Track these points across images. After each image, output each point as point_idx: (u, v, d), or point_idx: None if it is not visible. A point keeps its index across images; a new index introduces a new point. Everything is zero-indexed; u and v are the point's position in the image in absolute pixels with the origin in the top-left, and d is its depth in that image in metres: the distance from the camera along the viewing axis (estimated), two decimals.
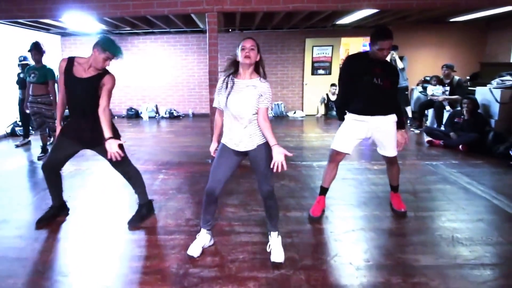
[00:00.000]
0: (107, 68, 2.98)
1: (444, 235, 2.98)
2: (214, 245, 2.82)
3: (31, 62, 5.64)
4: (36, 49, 5.18)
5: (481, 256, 2.64)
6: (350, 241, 2.94)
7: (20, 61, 6.39)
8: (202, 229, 2.75)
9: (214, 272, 2.45)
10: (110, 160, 2.92)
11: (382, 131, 3.18)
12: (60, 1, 4.93)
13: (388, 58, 7.66)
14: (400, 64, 7.71)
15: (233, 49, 8.02)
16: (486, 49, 9.75)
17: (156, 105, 10.37)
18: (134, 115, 10.20)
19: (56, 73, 5.32)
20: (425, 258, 2.62)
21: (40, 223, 3.19)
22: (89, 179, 4.40)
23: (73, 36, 9.58)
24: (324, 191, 3.49)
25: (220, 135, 2.68)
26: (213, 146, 2.76)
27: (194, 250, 2.65)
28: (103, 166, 4.81)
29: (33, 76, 5.26)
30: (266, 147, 2.49)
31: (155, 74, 10.16)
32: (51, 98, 5.38)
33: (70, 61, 2.93)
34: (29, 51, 5.25)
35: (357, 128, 3.21)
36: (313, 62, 10.11)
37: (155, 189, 4.06)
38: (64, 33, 9.27)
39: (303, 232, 3.08)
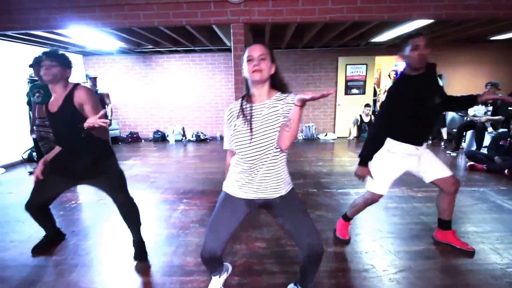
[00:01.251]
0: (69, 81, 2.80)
1: None
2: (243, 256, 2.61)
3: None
4: (38, 65, 4.73)
5: None
6: (410, 280, 2.61)
7: (30, 77, 6.02)
8: (212, 276, 2.43)
9: None
10: (110, 191, 2.86)
11: (426, 154, 2.96)
12: (56, 11, 4.71)
13: None
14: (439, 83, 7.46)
15: None
16: None
17: (183, 128, 10.34)
18: (160, 138, 10.22)
19: None
20: None
21: (36, 251, 3.19)
22: (100, 211, 4.19)
23: (95, 56, 9.78)
24: (349, 219, 3.35)
25: None
26: None
27: None
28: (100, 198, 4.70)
29: (38, 95, 4.88)
30: (295, 193, 2.13)
31: (181, 95, 10.19)
32: None
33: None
34: (30, 66, 4.87)
35: (407, 163, 2.93)
36: (346, 81, 10.00)
37: (173, 222, 3.80)
38: (85, 52, 9.45)
39: (350, 271, 2.76)
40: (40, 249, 3.21)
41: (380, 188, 2.97)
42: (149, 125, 10.44)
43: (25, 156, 7.36)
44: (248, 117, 1.96)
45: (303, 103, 1.77)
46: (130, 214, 2.96)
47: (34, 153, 7.11)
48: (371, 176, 2.95)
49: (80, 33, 5.77)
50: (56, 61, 2.65)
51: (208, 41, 7.90)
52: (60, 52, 2.74)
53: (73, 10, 4.69)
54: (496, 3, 4.56)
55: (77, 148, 2.77)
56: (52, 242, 3.34)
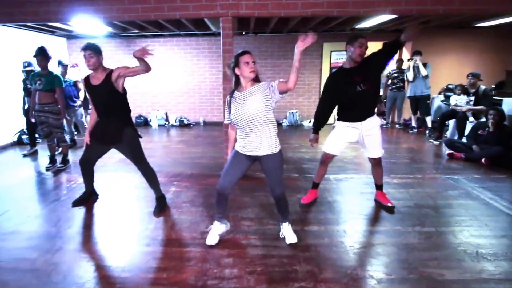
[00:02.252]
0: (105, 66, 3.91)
1: (468, 250, 3.21)
2: (231, 232, 3.53)
3: (36, 67, 5.93)
4: (42, 54, 5.38)
5: (507, 271, 2.87)
6: (371, 255, 3.20)
7: (24, 67, 6.65)
8: (215, 221, 3.39)
9: (233, 284, 2.72)
10: (133, 158, 4.06)
11: (371, 134, 3.90)
12: (65, 4, 5.21)
13: (411, 65, 8.29)
14: (423, 71, 8.09)
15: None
16: None
17: (166, 113, 10.81)
18: (143, 123, 10.65)
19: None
20: (449, 272, 2.86)
21: (75, 204, 4.29)
22: (100, 191, 4.71)
23: (79, 39, 10.06)
24: (316, 185, 4.46)
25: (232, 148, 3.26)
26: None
27: (212, 239, 3.33)
28: (113, 178, 5.29)
29: (39, 83, 5.47)
30: (280, 155, 3.12)
31: (165, 80, 10.57)
32: (59, 106, 5.69)
33: (86, 76, 3.95)
34: (34, 56, 5.44)
35: (348, 134, 4.00)
36: (331, 68, 10.33)
37: (168, 202, 4.37)
38: (70, 36, 9.76)
39: (322, 246, 3.33)
40: (79, 203, 4.32)
41: (330, 148, 4.14)
42: (132, 110, 10.66)
43: (15, 138, 7.79)
44: (237, 101, 2.98)
45: (303, 47, 2.67)
46: (150, 177, 4.15)
47: (24, 136, 7.58)
48: (316, 143, 4.16)
49: (83, 23, 6.26)
50: (93, 52, 3.82)
51: (194, 26, 8.27)
52: (93, 43, 3.88)
53: (79, 3, 5.19)
54: None
55: (109, 114, 3.91)
56: (88, 198, 4.41)
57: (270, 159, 3.06)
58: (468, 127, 7.18)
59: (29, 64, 6.62)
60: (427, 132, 8.58)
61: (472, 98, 7.38)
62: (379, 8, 5.17)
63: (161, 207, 4.15)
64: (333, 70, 4.18)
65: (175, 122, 10.64)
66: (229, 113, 3.05)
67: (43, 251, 3.26)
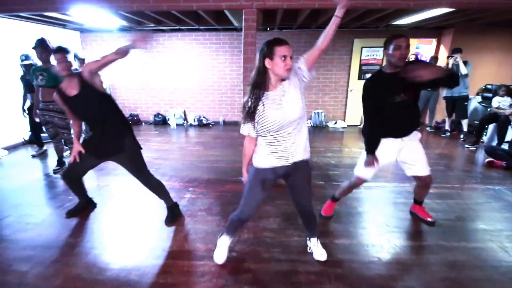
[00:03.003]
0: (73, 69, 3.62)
1: None
2: (251, 244, 3.37)
3: (38, 61, 5.67)
4: (42, 46, 5.10)
5: None
6: (413, 274, 2.98)
7: (22, 60, 6.34)
8: (224, 235, 3.12)
9: None
10: (134, 169, 3.67)
11: (412, 147, 3.48)
12: None
13: (450, 62, 7.89)
14: (463, 70, 7.71)
15: None
16: None
17: (184, 111, 10.69)
18: (161, 122, 10.59)
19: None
20: None
21: (70, 215, 4.06)
22: (109, 197, 4.63)
23: (93, 33, 10.06)
24: (336, 200, 4.03)
25: (250, 164, 2.81)
26: (246, 176, 2.85)
27: (221, 256, 3.09)
28: (123, 182, 5.14)
29: (42, 78, 5.24)
30: (308, 163, 2.76)
31: (183, 76, 10.47)
32: None
33: (58, 89, 3.52)
34: (33, 48, 5.16)
35: (385, 153, 3.53)
36: (361, 65, 10.13)
37: (182, 210, 4.19)
38: (83, 29, 9.75)
39: (355, 262, 3.13)
40: (73, 213, 4.09)
41: (365, 173, 3.61)
42: (149, 108, 10.79)
43: (26, 137, 7.74)
44: (278, 101, 2.45)
45: (342, 14, 2.58)
46: (156, 189, 3.84)
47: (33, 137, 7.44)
48: (377, 163, 3.50)
49: (85, 13, 6.00)
50: (65, 54, 3.60)
51: (214, 21, 8.10)
52: (62, 45, 3.57)
53: None
54: None
55: (103, 124, 3.50)
56: (84, 209, 4.20)
57: (305, 166, 2.71)
58: (510, 132, 6.93)
59: (27, 57, 6.33)
60: (461, 136, 8.27)
61: None
62: (434, 0, 4.75)
63: (173, 216, 3.93)
64: (370, 75, 3.58)
65: (194, 121, 10.54)
66: (253, 121, 2.52)
67: (36, 262, 3.12)
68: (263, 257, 3.18)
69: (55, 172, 5.73)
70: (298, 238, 3.51)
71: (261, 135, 2.56)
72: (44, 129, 5.77)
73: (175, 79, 10.49)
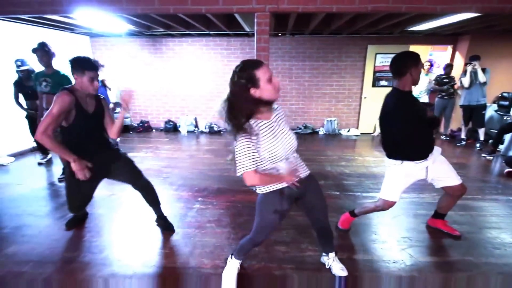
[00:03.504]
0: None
1: None
2: (262, 260, 3.14)
3: (39, 66, 5.27)
4: (42, 50, 4.87)
5: None
6: None
7: (18, 67, 6.05)
8: (234, 258, 2.91)
9: None
10: (134, 174, 3.61)
11: (437, 160, 3.32)
12: None
13: (468, 70, 7.72)
14: (482, 78, 7.55)
15: (282, 56, 7.81)
16: None
17: (196, 118, 10.54)
18: (172, 129, 10.47)
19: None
20: None
21: (68, 227, 3.89)
22: (113, 206, 4.47)
23: (102, 37, 9.99)
24: (355, 215, 3.79)
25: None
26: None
27: (229, 278, 2.84)
28: (125, 190, 4.89)
29: (45, 84, 4.97)
30: (313, 176, 2.66)
31: (193, 82, 10.33)
32: None
33: (73, 93, 3.16)
34: (33, 51, 4.92)
35: (416, 175, 3.33)
36: (375, 72, 9.96)
37: (189, 221, 4.03)
38: (92, 34, 9.67)
39: (376, 281, 2.93)
40: (73, 225, 3.94)
41: (392, 196, 3.35)
42: (160, 114, 10.66)
43: (35, 144, 7.48)
44: (275, 129, 2.32)
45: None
46: (151, 195, 3.72)
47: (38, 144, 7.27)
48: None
49: (88, 16, 5.82)
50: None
51: (225, 26, 7.94)
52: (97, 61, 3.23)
53: None
54: None
55: (101, 143, 3.46)
56: (80, 220, 4.04)
57: (311, 180, 2.60)
58: None
59: (22, 63, 6.04)
60: (477, 145, 8.06)
61: None
62: (463, 5, 4.46)
63: (168, 227, 3.85)
64: (392, 93, 3.39)
65: (205, 128, 10.40)
66: (253, 156, 2.24)
67: (27, 279, 2.92)
68: (275, 274, 2.97)
69: (60, 180, 5.56)
70: (312, 253, 3.30)
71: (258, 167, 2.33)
72: None
73: (186, 86, 10.36)
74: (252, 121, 2.25)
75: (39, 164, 6.61)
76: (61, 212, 4.34)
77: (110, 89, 7.28)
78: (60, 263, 3.18)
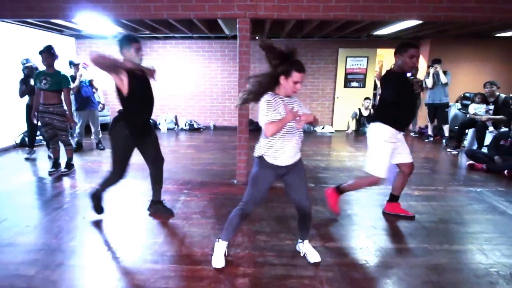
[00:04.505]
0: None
1: (501, 271, 2.99)
2: (245, 248, 3.26)
3: (41, 65, 5.52)
4: (48, 52, 5.13)
5: None
6: (399, 276, 2.93)
7: (23, 64, 6.31)
8: (221, 240, 3.04)
9: None
10: (159, 149, 3.94)
11: (400, 139, 3.78)
12: (73, 0, 4.91)
13: (431, 72, 8.15)
14: (443, 79, 7.96)
15: (259, 58, 7.97)
16: None
17: (176, 116, 10.54)
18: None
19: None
20: None
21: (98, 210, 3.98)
22: (104, 198, 4.43)
23: (88, 39, 9.90)
24: (341, 193, 4.12)
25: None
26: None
27: (219, 260, 2.98)
28: (119, 185, 4.96)
29: (45, 82, 5.18)
30: (301, 161, 2.92)
31: (175, 82, 10.34)
32: (65, 108, 5.41)
33: (130, 69, 3.40)
34: (40, 53, 5.17)
35: (393, 147, 3.70)
36: (346, 74, 10.23)
37: (177, 213, 4.10)
38: (78, 36, 9.57)
39: (346, 266, 3.06)
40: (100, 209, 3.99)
41: (382, 172, 3.69)
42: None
43: (18, 140, 7.51)
44: (291, 104, 2.68)
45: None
46: (160, 175, 4.01)
47: (27, 138, 7.19)
48: None
49: (89, 20, 5.92)
50: None
51: (207, 29, 8.06)
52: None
53: (88, 0, 4.88)
54: (493, 6, 4.79)
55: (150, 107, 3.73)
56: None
57: (301, 165, 2.90)
58: (488, 136, 7.05)
59: (27, 60, 6.32)
60: (443, 141, 8.44)
61: (492, 107, 7.29)
62: (405, 13, 4.87)
63: (167, 210, 4.08)
64: (386, 74, 3.93)
65: (185, 126, 10.41)
66: (273, 111, 2.58)
67: (42, 266, 2.96)
68: (258, 261, 3.09)
69: (50, 174, 5.52)
70: (290, 242, 3.42)
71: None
72: (42, 131, 5.63)
73: (168, 85, 10.35)
74: (271, 93, 2.66)
75: (26, 159, 6.53)
76: (57, 203, 4.41)
77: (97, 89, 7.23)
78: (68, 251, 3.24)
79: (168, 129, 10.29)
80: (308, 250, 3.11)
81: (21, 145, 7.49)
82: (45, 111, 5.33)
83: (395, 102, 3.55)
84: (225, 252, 3.05)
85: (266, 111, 2.57)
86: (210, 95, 10.49)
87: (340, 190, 4.07)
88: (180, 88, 10.41)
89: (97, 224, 3.84)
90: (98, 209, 3.94)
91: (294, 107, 2.65)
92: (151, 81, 3.63)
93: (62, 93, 5.36)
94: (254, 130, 10.01)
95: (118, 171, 3.66)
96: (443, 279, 2.88)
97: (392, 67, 3.83)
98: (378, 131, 3.73)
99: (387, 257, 3.23)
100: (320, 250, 3.20)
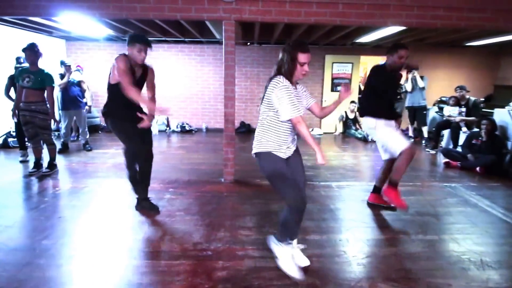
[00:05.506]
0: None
1: (472, 258, 3.04)
2: (226, 243, 3.20)
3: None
4: (31, 49, 4.91)
5: None
6: (375, 265, 2.92)
7: (20, 63, 6.07)
8: (284, 245, 2.77)
9: None
10: (150, 139, 3.96)
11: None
12: None
13: (409, 77, 8.35)
14: (420, 83, 8.28)
15: (251, 63, 7.99)
16: (499, 73, 10.73)
17: (167, 118, 10.34)
18: None
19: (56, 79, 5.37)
20: (456, 282, 2.67)
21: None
22: (86, 198, 4.35)
23: (79, 41, 9.71)
24: (396, 184, 3.86)
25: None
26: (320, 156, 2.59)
27: (293, 269, 2.67)
28: (104, 184, 4.90)
29: (28, 80, 4.95)
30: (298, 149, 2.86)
31: (167, 85, 10.18)
32: (47, 106, 5.16)
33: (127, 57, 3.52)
34: (23, 50, 4.97)
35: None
36: (332, 79, 10.39)
37: (161, 211, 3.95)
38: (69, 37, 9.38)
39: (324, 256, 3.02)
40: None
41: (403, 142, 3.71)
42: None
43: (0, 141, 7.14)
44: (298, 94, 2.68)
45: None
46: (148, 170, 3.94)
47: (10, 139, 6.99)
48: None
49: (74, 20, 5.78)
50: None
51: (198, 33, 8.02)
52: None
53: None
54: (459, 14, 5.00)
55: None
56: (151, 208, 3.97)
57: (298, 153, 2.86)
58: (462, 136, 7.27)
59: (24, 60, 5.97)
60: (423, 141, 8.64)
61: (464, 109, 7.63)
62: (380, 19, 5.04)
63: (154, 207, 3.97)
64: (377, 66, 4.00)
65: (176, 128, 10.24)
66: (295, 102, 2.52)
67: (8, 265, 2.77)
68: (237, 254, 3.00)
69: (30, 174, 5.26)
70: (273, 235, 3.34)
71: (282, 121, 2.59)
72: (24, 129, 5.30)
73: (160, 88, 10.05)
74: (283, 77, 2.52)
75: (21, 162, 6.11)
76: (35, 203, 4.25)
77: (85, 90, 7.14)
78: (39, 250, 3.04)
79: (159, 131, 10.08)
80: (298, 253, 2.84)
81: (3, 146, 7.06)
82: (27, 109, 5.07)
83: (380, 92, 3.78)
84: (205, 247, 2.94)
85: (288, 98, 2.47)
86: (202, 97, 10.39)
87: (393, 183, 3.88)
88: (172, 91, 10.25)
89: (76, 223, 3.66)
90: (139, 192, 4.01)
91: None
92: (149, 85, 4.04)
93: (46, 91, 5.15)
94: (246, 132, 10.04)
95: (132, 145, 3.75)
96: (417, 266, 2.89)
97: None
98: (374, 122, 3.85)
99: (364, 248, 3.22)
100: (300, 242, 3.07)
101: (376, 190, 4.21)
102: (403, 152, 3.66)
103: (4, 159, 6.48)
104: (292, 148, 2.75)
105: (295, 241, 2.83)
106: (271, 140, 2.62)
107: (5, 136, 7.14)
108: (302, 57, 2.45)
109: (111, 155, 6.75)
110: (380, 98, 3.81)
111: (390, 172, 3.94)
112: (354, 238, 3.38)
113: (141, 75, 3.75)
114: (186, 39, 9.13)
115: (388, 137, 3.80)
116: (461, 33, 7.43)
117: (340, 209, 4.19)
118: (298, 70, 2.50)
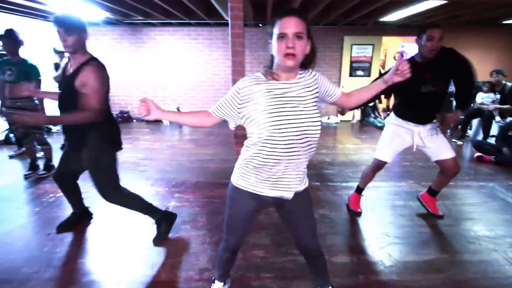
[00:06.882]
0: (90, 54, 2.79)
1: None
2: (239, 270, 2.63)
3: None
4: (9, 37, 4.28)
5: None
6: None
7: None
8: (217, 281, 2.27)
9: None
10: (88, 169, 2.88)
11: (432, 134, 3.31)
12: None
13: None
14: None
15: (263, 46, 7.28)
16: None
17: (178, 108, 9.84)
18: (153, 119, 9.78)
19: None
20: None
21: (61, 229, 3.28)
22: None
23: None
24: (361, 190, 3.78)
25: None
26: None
27: None
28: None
29: (10, 73, 4.37)
30: (307, 191, 1.89)
31: (175, 72, 9.67)
32: (36, 102, 4.63)
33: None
34: (0, 37, 4.36)
35: (401, 135, 3.38)
36: (351, 62, 9.70)
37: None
38: None
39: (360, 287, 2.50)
40: (64, 228, 3.31)
41: (383, 155, 3.45)
42: None
43: (2, 137, 6.83)
44: (282, 94, 1.62)
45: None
46: (123, 205, 3.01)
47: (12, 134, 6.55)
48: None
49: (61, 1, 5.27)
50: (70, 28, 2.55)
51: (205, 14, 7.43)
52: (71, 15, 2.58)
53: None
54: None
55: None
56: (78, 221, 3.43)
57: (304, 194, 1.86)
58: (494, 126, 6.78)
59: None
60: (448, 130, 7.96)
61: (498, 96, 6.98)
62: None
63: (163, 230, 3.21)
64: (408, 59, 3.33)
65: None
66: (233, 114, 1.79)
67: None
68: (252, 286, 2.51)
69: (26, 177, 4.81)
70: (292, 258, 2.85)
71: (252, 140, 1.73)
72: (13, 129, 4.84)
73: (168, 75, 9.71)
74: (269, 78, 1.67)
75: (11, 157, 5.83)
76: (24, 216, 3.76)
77: None
78: (15, 281, 2.60)
79: (170, 122, 9.59)
80: None
81: (5, 142, 6.70)
82: (13, 107, 4.53)
83: (402, 91, 3.23)
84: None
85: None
86: (213, 85, 9.83)
87: (359, 190, 3.77)
88: (180, 78, 9.74)
89: (63, 243, 3.17)
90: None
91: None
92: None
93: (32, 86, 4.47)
94: None
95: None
96: None
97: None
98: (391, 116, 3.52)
99: (405, 275, 2.69)
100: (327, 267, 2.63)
101: (431, 192, 3.74)
102: (374, 160, 3.57)
103: (6, 156, 6.01)
104: (287, 187, 1.77)
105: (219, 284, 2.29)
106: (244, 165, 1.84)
107: (7, 131, 6.78)
108: (280, 25, 1.51)
109: None
110: (401, 95, 3.40)
111: (445, 176, 3.47)
112: (393, 261, 2.86)
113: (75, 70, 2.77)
114: (192, 21, 8.52)
115: (382, 138, 3.53)
116: (500, 9, 6.68)
117: (368, 219, 3.64)
118: (278, 50, 1.54)
